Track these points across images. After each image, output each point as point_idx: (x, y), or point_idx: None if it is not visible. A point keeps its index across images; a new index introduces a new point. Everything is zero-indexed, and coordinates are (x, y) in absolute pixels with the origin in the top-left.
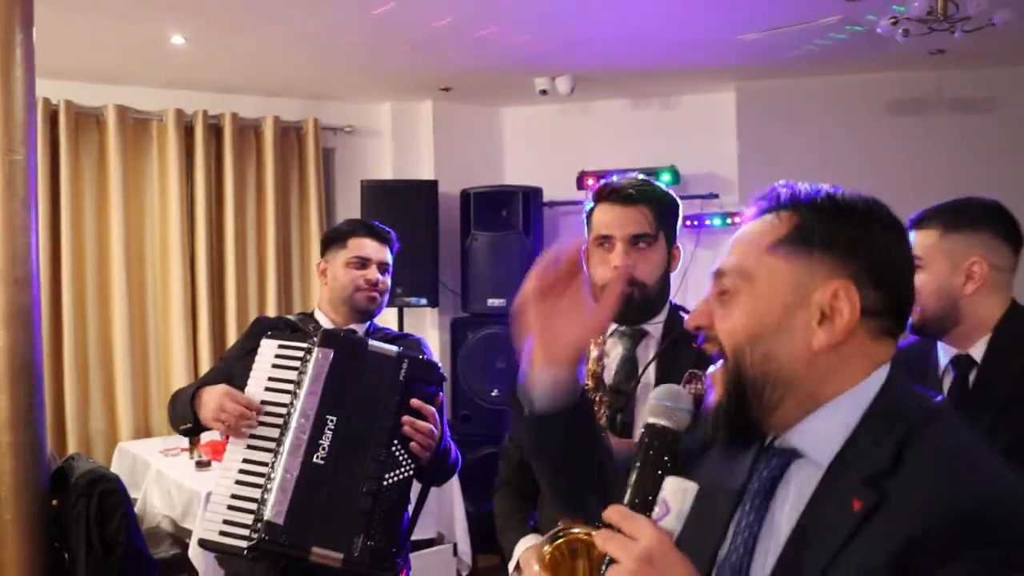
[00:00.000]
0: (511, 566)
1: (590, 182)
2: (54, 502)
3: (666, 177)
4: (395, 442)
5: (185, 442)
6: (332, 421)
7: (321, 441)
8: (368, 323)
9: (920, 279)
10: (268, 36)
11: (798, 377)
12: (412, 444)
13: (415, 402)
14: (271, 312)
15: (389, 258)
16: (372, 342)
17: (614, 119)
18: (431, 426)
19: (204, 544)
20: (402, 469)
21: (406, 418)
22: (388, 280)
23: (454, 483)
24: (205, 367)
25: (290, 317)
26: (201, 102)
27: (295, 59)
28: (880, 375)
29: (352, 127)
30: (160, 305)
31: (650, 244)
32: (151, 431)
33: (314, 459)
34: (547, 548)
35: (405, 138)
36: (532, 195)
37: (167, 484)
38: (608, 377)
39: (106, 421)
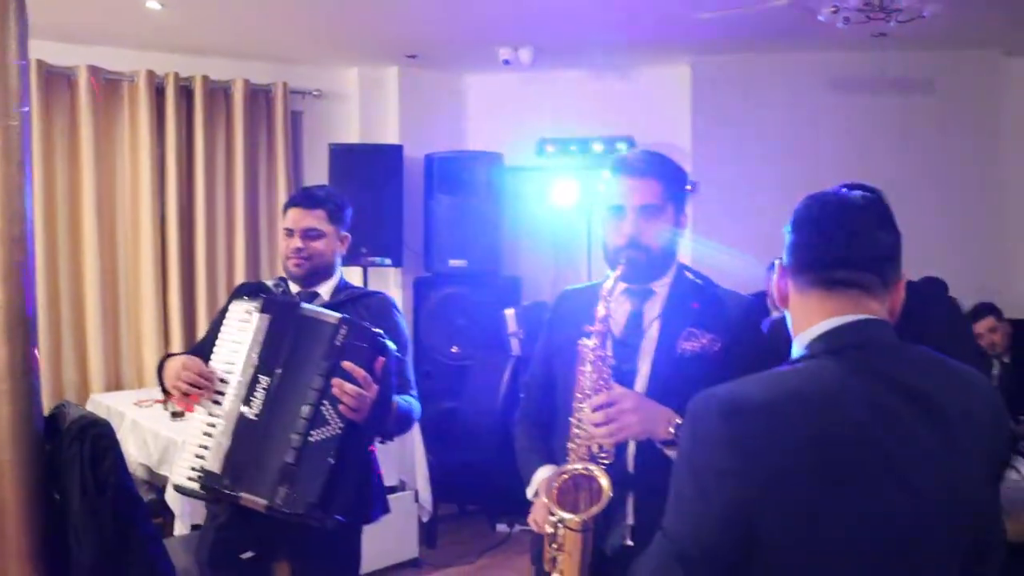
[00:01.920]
0: (530, 492)
1: (549, 149)
2: (47, 447)
3: (622, 147)
4: (324, 402)
5: (157, 394)
6: (265, 380)
7: (254, 398)
8: (338, 283)
9: None
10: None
11: None
12: (340, 405)
13: (347, 365)
14: (239, 269)
15: (318, 222)
16: (309, 307)
17: (574, 90)
18: (360, 389)
19: (177, 488)
20: (330, 427)
21: (335, 380)
22: (320, 243)
23: (416, 434)
24: (175, 322)
25: (267, 282)
26: (172, 64)
27: (266, 23)
28: None
29: (320, 91)
30: (131, 262)
31: (656, 214)
32: (122, 384)
33: (249, 415)
34: (556, 482)
35: (372, 103)
36: (494, 160)
37: (143, 433)
38: (616, 331)
39: (79, 374)
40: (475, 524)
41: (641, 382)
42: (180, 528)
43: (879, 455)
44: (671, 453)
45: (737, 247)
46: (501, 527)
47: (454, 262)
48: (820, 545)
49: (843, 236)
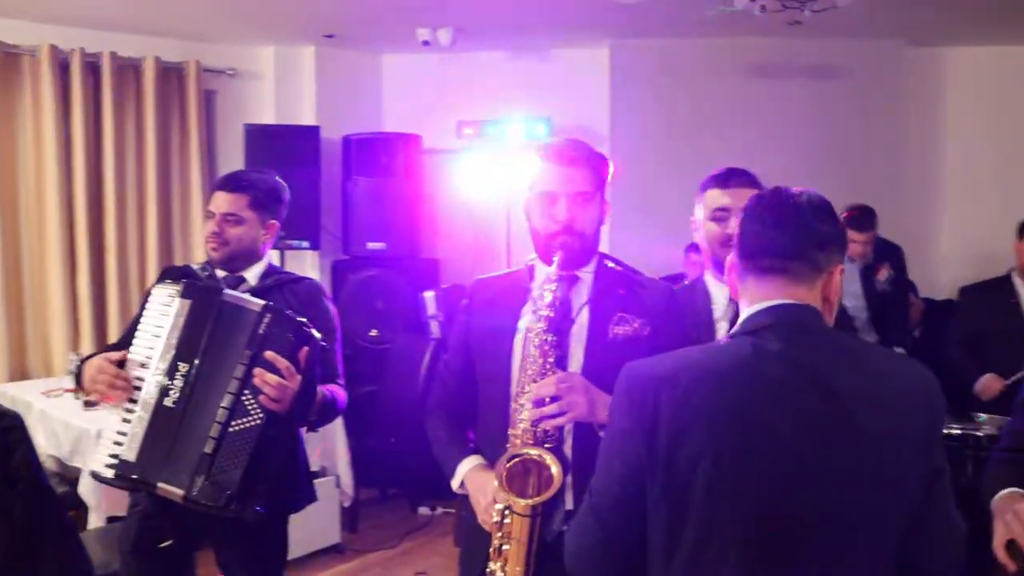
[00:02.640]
0: (455, 484)
1: (467, 131)
2: None
3: (540, 128)
4: (245, 392)
5: (66, 383)
6: (184, 368)
7: (172, 387)
8: (266, 268)
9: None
10: None
11: None
12: (261, 396)
13: (269, 355)
14: (151, 254)
15: (238, 208)
16: (231, 293)
17: (493, 71)
18: (282, 380)
19: (94, 476)
20: (250, 418)
21: (257, 370)
22: (239, 229)
23: (337, 419)
24: (84, 309)
25: (193, 266)
26: (78, 39)
27: None
28: None
29: (234, 70)
30: (36, 248)
31: (588, 201)
32: (28, 374)
33: (166, 403)
34: (505, 466)
35: (288, 83)
36: (412, 142)
37: (52, 424)
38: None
39: None
40: (397, 508)
41: (575, 367)
42: (95, 521)
43: (761, 426)
44: None
45: (653, 230)
46: (423, 510)
47: (372, 245)
48: (699, 507)
49: (773, 227)
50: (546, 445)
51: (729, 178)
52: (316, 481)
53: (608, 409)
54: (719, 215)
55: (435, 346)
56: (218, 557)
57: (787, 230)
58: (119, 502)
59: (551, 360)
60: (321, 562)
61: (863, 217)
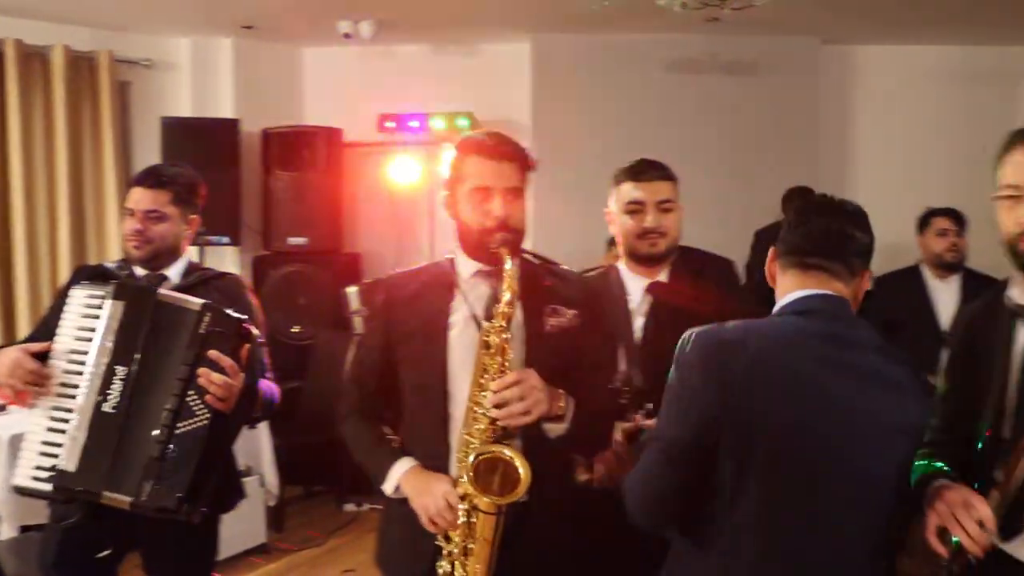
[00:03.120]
0: (389, 488)
1: (389, 125)
2: None
3: (463, 123)
4: (190, 392)
5: None
6: (122, 372)
7: (111, 391)
8: (187, 264)
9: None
10: None
11: None
12: (207, 396)
13: (213, 354)
14: (63, 252)
15: (160, 204)
16: (167, 293)
17: (414, 64)
18: (227, 379)
19: (19, 490)
20: (197, 419)
21: (201, 370)
22: (162, 226)
23: None
24: None
25: (109, 264)
26: None
27: None
28: None
29: (150, 61)
30: None
31: (519, 195)
32: None
33: (106, 408)
34: (470, 463)
35: (205, 75)
36: (333, 136)
37: None
38: (476, 314)
39: None
40: (322, 505)
41: (516, 363)
42: (7, 531)
43: (815, 387)
44: (553, 428)
45: (575, 224)
46: (349, 507)
47: (294, 240)
48: (756, 452)
49: (821, 231)
50: (505, 441)
51: (642, 172)
52: (241, 481)
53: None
54: (633, 208)
55: (358, 341)
56: (146, 562)
57: (831, 237)
58: (34, 512)
59: (508, 358)
60: (247, 563)
61: None
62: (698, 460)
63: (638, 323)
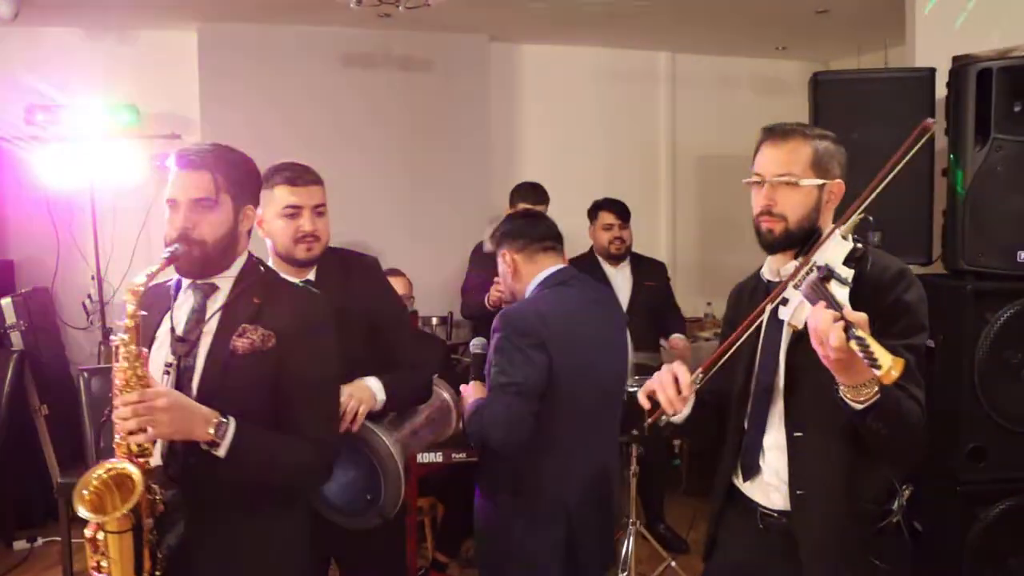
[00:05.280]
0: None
1: (40, 117)
2: None
3: (126, 116)
4: None
5: None
6: None
7: None
8: None
9: None
10: None
11: None
12: None
13: None
14: None
15: None
16: None
17: (66, 50)
18: None
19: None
20: None
21: None
22: None
23: None
24: None
25: None
26: None
27: None
28: None
29: None
30: None
31: (211, 207)
32: None
33: None
34: (87, 487)
35: None
36: None
37: None
38: (179, 326)
39: None
40: None
41: (196, 379)
42: None
43: (590, 333)
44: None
45: None
46: (20, 544)
47: None
48: (563, 387)
49: (547, 226)
50: (142, 459)
51: (299, 176)
52: None
53: (219, 431)
54: (291, 212)
55: (18, 359)
56: None
57: (549, 225)
58: None
59: (141, 372)
60: None
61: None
62: (539, 395)
63: None
